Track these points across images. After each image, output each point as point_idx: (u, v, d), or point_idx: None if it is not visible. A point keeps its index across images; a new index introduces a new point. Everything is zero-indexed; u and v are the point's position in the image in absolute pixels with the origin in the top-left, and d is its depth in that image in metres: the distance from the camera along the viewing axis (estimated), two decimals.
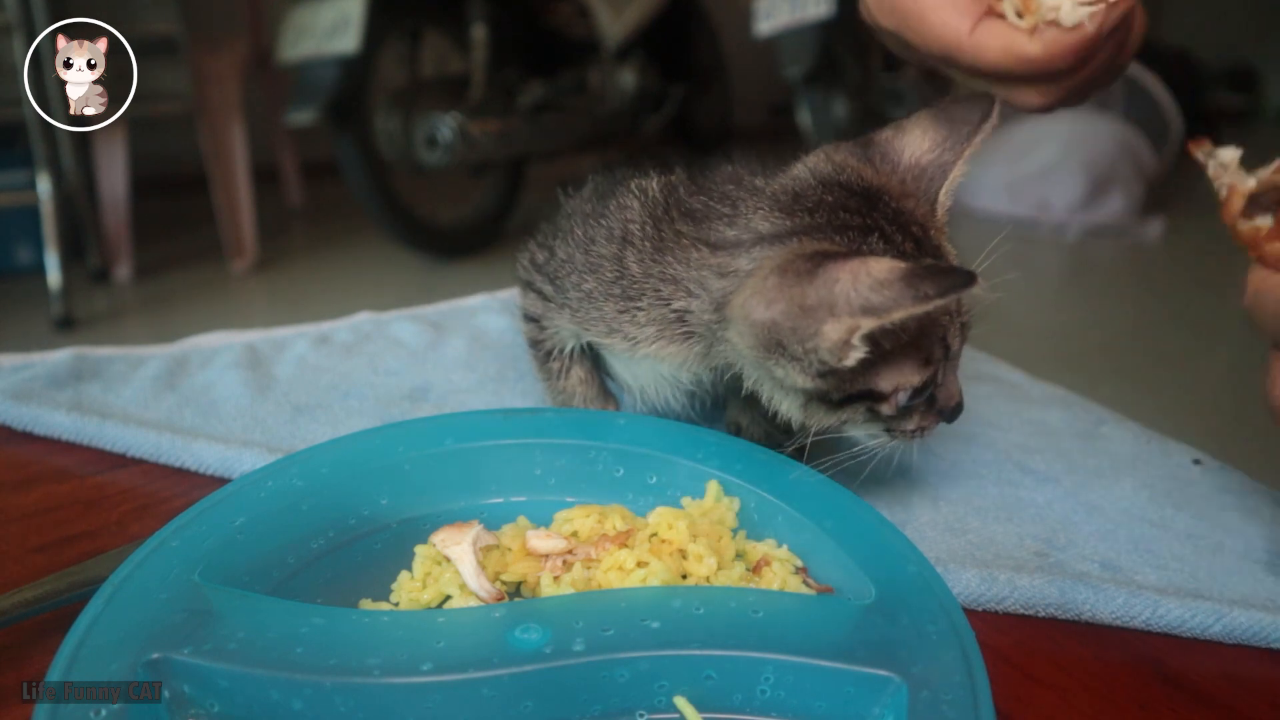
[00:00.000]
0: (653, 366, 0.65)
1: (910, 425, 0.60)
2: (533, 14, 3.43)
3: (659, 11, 3.59)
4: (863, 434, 0.62)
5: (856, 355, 0.51)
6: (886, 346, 0.54)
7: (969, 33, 0.54)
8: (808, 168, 0.61)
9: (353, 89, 2.86)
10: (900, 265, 0.50)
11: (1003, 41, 0.54)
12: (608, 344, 0.65)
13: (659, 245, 0.60)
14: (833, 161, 0.61)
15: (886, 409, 0.58)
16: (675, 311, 0.60)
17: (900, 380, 0.57)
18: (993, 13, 0.55)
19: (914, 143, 0.60)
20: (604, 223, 0.64)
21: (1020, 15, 0.53)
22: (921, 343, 0.56)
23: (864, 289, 0.49)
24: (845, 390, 0.57)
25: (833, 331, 0.50)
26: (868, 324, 0.50)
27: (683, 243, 0.59)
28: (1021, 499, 0.71)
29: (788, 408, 0.59)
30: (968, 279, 0.49)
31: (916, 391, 0.57)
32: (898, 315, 0.49)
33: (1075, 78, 0.57)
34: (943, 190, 0.60)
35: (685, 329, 0.60)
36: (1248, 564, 0.63)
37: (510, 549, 0.55)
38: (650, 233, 0.61)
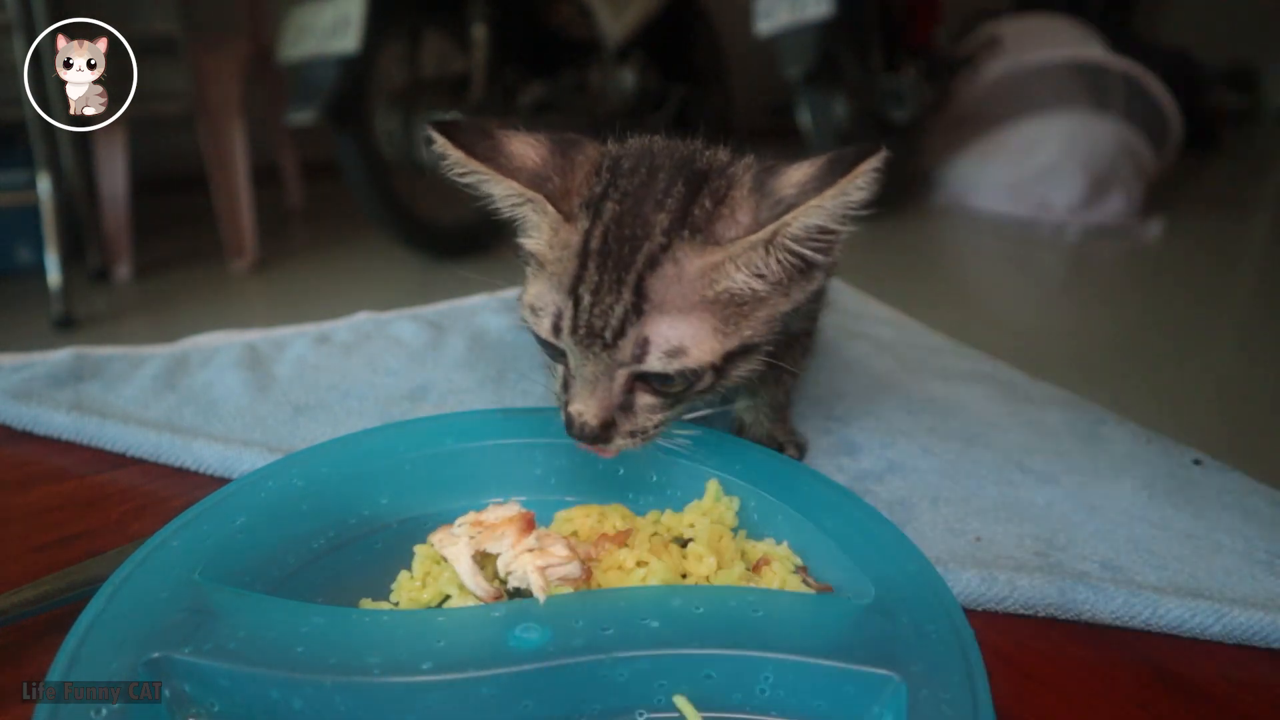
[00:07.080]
0: None
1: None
2: (533, 14, 3.43)
3: (659, 11, 3.59)
4: None
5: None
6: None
7: None
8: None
9: (353, 89, 2.85)
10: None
11: None
12: None
13: None
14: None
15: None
16: None
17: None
18: None
19: (792, 176, 0.56)
20: None
21: None
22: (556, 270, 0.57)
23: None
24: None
25: None
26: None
27: None
28: (1021, 499, 0.71)
29: None
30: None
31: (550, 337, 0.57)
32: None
33: None
34: (772, 224, 0.54)
35: None
36: (1248, 564, 0.63)
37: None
38: None
